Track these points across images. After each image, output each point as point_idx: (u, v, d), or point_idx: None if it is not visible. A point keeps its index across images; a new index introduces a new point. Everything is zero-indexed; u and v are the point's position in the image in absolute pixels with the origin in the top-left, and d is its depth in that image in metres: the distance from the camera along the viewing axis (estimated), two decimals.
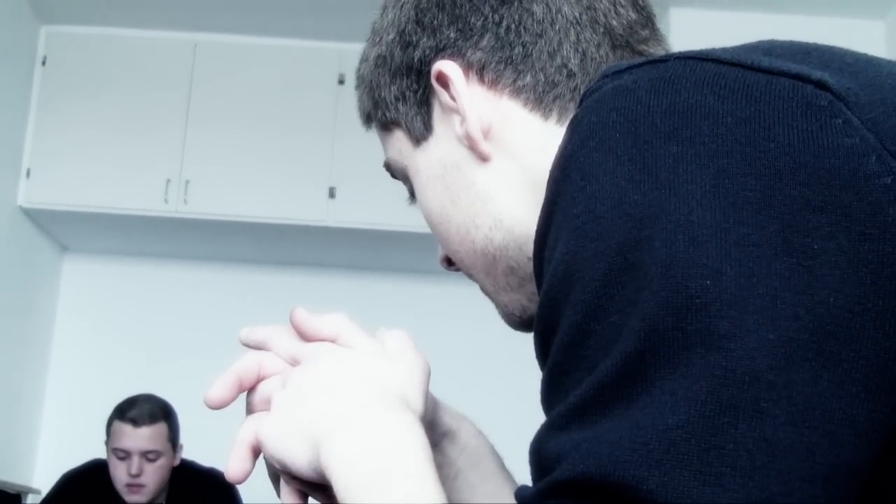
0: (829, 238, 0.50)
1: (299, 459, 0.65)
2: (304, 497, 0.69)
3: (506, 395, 3.53)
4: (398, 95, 0.80)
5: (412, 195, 0.84)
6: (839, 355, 0.49)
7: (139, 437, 2.88)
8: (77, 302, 4.46)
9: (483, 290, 0.82)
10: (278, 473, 0.69)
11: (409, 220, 3.26)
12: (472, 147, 0.76)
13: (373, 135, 0.87)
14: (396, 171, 0.84)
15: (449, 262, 0.84)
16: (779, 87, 0.53)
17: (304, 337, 0.74)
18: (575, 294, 0.54)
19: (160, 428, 2.92)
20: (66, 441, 4.08)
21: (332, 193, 3.99)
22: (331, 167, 4.01)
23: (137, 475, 2.88)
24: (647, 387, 0.50)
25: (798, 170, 0.51)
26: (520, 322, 0.81)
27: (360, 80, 0.85)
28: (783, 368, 0.49)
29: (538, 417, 0.56)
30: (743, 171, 0.52)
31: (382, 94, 0.81)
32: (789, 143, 0.52)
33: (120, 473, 2.89)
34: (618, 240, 0.53)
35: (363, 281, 4.37)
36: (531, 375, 0.67)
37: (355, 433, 0.63)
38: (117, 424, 2.91)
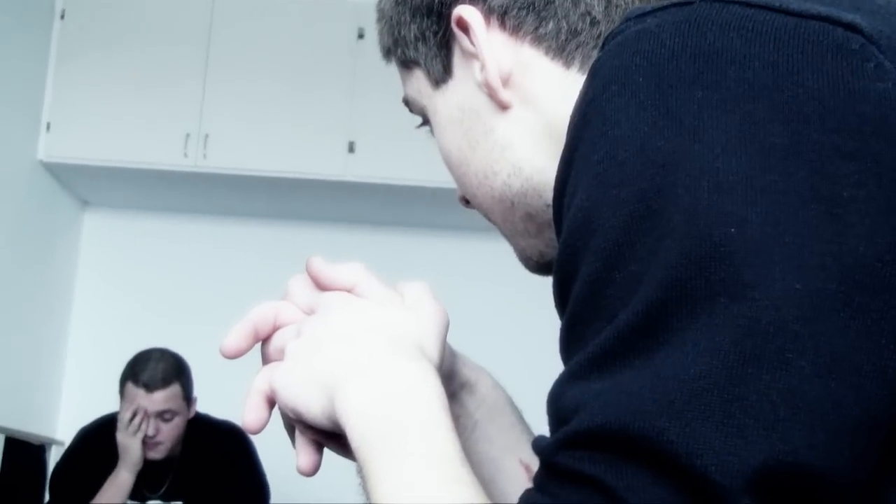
0: (859, 186, 0.49)
1: (313, 408, 0.64)
2: (319, 447, 0.69)
3: (525, 349, 3.53)
4: (418, 35, 0.79)
5: (432, 133, 0.83)
6: (868, 306, 0.48)
7: (153, 402, 2.90)
8: (98, 256, 4.47)
9: (501, 232, 0.81)
10: (293, 423, 0.69)
11: (428, 174, 3.27)
12: (492, 95, 0.75)
13: (392, 90, 0.85)
14: (415, 109, 0.83)
15: (467, 202, 0.83)
16: (808, 29, 0.52)
17: (321, 286, 0.73)
18: (595, 242, 0.53)
19: (173, 389, 2.92)
20: (88, 393, 4.10)
21: (351, 148, 3.98)
22: (350, 121, 3.99)
23: (154, 436, 2.91)
24: (668, 337, 0.49)
25: (827, 115, 0.50)
26: (537, 266, 0.81)
27: (381, 14, 0.83)
28: (810, 319, 0.48)
29: (557, 371, 0.55)
30: (770, 117, 0.50)
31: (402, 32, 0.80)
32: (818, 87, 0.51)
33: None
34: (639, 186, 0.51)
35: (382, 236, 4.37)
36: (550, 329, 0.66)
37: (370, 381, 0.62)
38: (130, 387, 2.92)
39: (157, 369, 2.92)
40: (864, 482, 0.49)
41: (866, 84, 0.50)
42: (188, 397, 3.00)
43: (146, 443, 2.91)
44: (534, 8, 0.74)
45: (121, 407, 2.95)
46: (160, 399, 2.90)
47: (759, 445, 0.47)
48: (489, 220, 0.81)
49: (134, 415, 2.88)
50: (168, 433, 2.94)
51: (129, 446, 2.89)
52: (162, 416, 2.91)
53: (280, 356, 0.70)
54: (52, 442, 4.03)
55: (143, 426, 2.88)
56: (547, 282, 0.64)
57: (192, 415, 3.03)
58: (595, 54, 0.72)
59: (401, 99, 0.84)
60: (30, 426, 3.91)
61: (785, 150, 0.50)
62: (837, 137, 0.50)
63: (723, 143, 0.50)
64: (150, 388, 2.89)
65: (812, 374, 0.47)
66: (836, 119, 0.50)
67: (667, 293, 0.49)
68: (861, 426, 0.48)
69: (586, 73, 0.64)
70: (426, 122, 0.83)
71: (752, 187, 0.49)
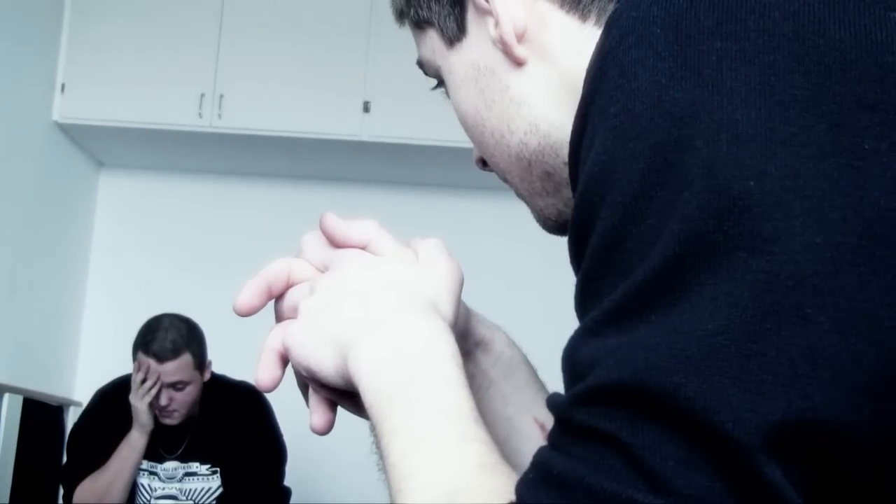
0: (881, 138, 0.48)
1: (326, 366, 0.64)
2: (333, 405, 0.69)
3: (540, 307, 3.53)
4: None
5: (447, 94, 0.82)
6: (889, 260, 0.47)
7: (164, 372, 2.90)
8: (113, 217, 4.48)
9: (517, 193, 0.80)
10: (306, 382, 0.68)
11: (444, 134, 3.25)
12: (507, 51, 0.74)
13: (407, 50, 0.84)
14: (430, 71, 0.82)
15: (484, 163, 0.82)
16: None
17: (334, 243, 0.73)
18: (611, 196, 0.52)
19: (184, 359, 2.91)
20: (105, 354, 4.12)
21: (366, 108, 3.96)
22: (365, 81, 3.97)
23: (167, 405, 2.92)
24: (686, 291, 0.48)
25: (849, 67, 0.49)
26: (555, 226, 0.80)
27: None
28: (829, 273, 0.47)
29: (573, 329, 0.54)
30: (790, 68, 0.50)
31: None
32: (840, 38, 0.50)
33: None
34: (657, 139, 0.51)
35: (398, 196, 4.36)
36: (566, 287, 0.65)
37: (383, 339, 0.61)
38: (142, 356, 2.92)
39: (167, 339, 2.91)
40: (886, 438, 0.48)
41: (889, 34, 0.49)
42: (201, 364, 2.99)
43: (162, 410, 2.93)
44: None
45: (133, 369, 2.96)
46: (171, 369, 2.90)
47: (777, 402, 0.46)
48: (506, 181, 0.80)
49: (145, 379, 2.89)
50: (181, 401, 2.94)
51: (139, 409, 2.91)
52: (174, 386, 2.92)
53: (293, 314, 0.70)
54: (69, 403, 4.06)
55: (153, 391, 2.89)
56: (562, 241, 0.64)
57: (206, 378, 3.03)
58: (610, 7, 0.71)
59: (416, 75, 0.83)
60: (47, 387, 3.93)
61: (805, 101, 0.49)
62: (859, 88, 0.49)
63: (742, 94, 0.50)
64: (160, 358, 2.89)
65: (831, 330, 0.47)
66: (858, 70, 0.49)
67: (684, 247, 0.48)
68: (881, 382, 0.47)
69: (603, 26, 0.63)
70: (441, 83, 0.82)
71: (772, 140, 0.48)
